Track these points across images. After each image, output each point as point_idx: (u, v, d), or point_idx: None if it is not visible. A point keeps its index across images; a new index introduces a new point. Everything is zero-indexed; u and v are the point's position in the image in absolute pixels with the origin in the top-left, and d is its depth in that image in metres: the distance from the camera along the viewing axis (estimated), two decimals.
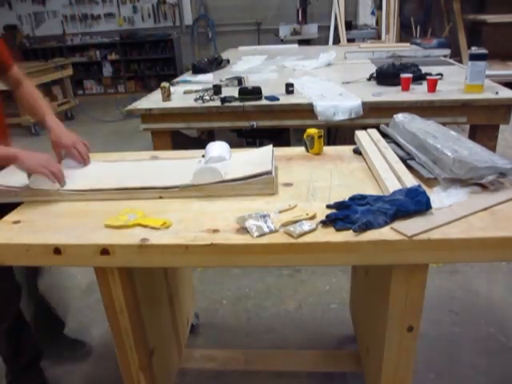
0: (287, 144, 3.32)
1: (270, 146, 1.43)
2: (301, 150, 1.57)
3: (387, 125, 1.57)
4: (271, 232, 1.03)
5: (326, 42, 6.65)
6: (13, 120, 5.65)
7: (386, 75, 2.76)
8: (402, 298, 1.10)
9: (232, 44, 6.39)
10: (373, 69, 2.99)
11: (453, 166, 1.15)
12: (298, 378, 1.77)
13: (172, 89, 3.05)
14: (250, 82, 2.97)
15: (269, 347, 1.94)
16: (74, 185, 1.30)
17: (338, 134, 3.63)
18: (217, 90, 2.72)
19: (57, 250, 1.05)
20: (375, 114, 2.35)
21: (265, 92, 2.57)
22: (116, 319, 1.21)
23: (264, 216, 1.06)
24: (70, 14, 7.96)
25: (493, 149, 2.37)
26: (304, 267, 2.45)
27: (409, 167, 1.27)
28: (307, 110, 2.36)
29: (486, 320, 2.02)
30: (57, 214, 1.20)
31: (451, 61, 3.78)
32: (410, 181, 1.16)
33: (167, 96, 2.60)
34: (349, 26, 6.62)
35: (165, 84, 2.61)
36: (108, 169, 1.46)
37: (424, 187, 1.12)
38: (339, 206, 1.10)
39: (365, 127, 1.67)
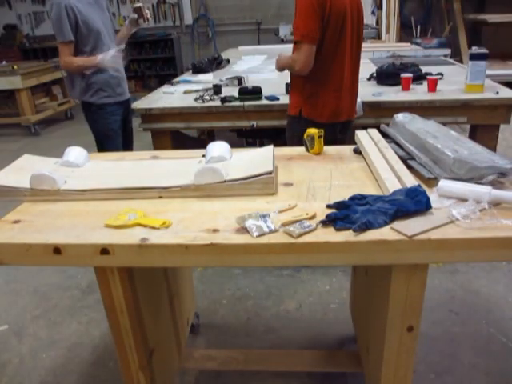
0: (287, 144, 3.32)
1: (271, 146, 1.42)
2: (301, 149, 1.57)
3: (387, 125, 1.57)
4: (271, 232, 1.02)
5: None
6: (13, 120, 5.66)
7: (386, 75, 2.76)
8: (402, 298, 1.10)
9: (232, 44, 6.40)
10: (373, 68, 2.99)
11: (453, 165, 1.15)
12: (298, 378, 1.77)
13: (172, 88, 3.07)
14: (250, 81, 2.97)
15: (269, 347, 1.94)
16: (74, 185, 1.30)
17: None
18: (217, 89, 2.72)
19: (57, 250, 1.05)
20: (375, 114, 2.35)
21: (265, 92, 2.58)
22: (116, 319, 1.21)
23: (264, 216, 1.06)
24: None
25: (493, 149, 2.38)
26: (304, 267, 2.45)
27: (409, 167, 1.27)
28: None
29: (486, 320, 2.02)
30: (57, 213, 1.20)
31: (451, 60, 3.78)
32: (410, 181, 1.15)
33: (141, 16, 2.62)
34: None
35: (138, 4, 2.61)
36: (108, 168, 1.46)
37: (424, 187, 1.11)
38: (339, 205, 1.10)
39: (365, 127, 1.67)
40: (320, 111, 2.08)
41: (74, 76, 2.54)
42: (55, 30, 2.40)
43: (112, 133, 2.60)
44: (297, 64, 1.98)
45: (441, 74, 2.81)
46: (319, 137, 1.50)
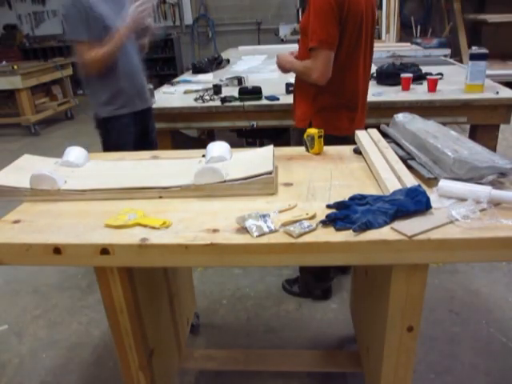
0: (287, 144, 3.32)
1: (271, 146, 1.42)
2: (301, 149, 1.57)
3: (387, 125, 1.57)
4: (271, 232, 1.02)
5: None
6: (13, 120, 5.66)
7: (386, 75, 2.76)
8: (401, 298, 1.10)
9: (232, 44, 6.40)
10: (373, 68, 2.99)
11: (453, 165, 1.15)
12: (298, 378, 1.77)
13: (172, 88, 3.06)
14: (250, 81, 2.97)
15: (269, 347, 1.94)
16: (74, 185, 1.30)
17: None
18: (217, 89, 2.72)
19: (57, 250, 1.05)
20: (375, 114, 2.35)
21: (265, 92, 2.58)
22: (116, 319, 1.21)
23: (264, 216, 1.06)
24: None
25: (493, 149, 2.38)
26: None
27: (409, 167, 1.27)
28: None
29: (486, 320, 2.02)
30: (57, 213, 1.20)
31: (451, 60, 3.78)
32: (410, 181, 1.15)
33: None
34: None
35: (148, 86, 2.63)
36: (108, 168, 1.46)
37: (424, 187, 1.11)
38: (339, 205, 1.10)
39: (365, 127, 1.67)
40: (332, 126, 1.85)
41: (93, 88, 2.19)
42: (68, 29, 2.07)
43: (123, 145, 2.16)
44: (314, 73, 1.78)
45: (441, 74, 2.81)
46: (319, 137, 1.50)
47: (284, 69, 2.02)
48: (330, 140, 1.55)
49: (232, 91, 2.69)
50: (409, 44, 4.94)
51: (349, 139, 1.65)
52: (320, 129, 1.51)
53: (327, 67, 1.76)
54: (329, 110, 1.89)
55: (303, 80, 1.91)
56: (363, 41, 1.86)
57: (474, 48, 2.41)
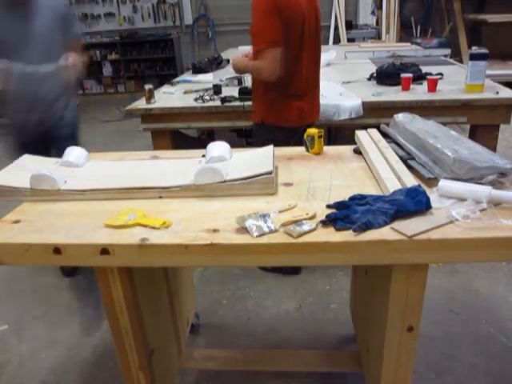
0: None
1: (271, 146, 1.42)
2: (301, 149, 1.57)
3: (387, 125, 1.57)
4: (271, 232, 1.02)
5: (326, 42, 6.65)
6: None
7: (386, 75, 2.76)
8: (401, 298, 1.10)
9: (232, 44, 6.39)
10: (373, 68, 2.99)
11: (453, 165, 1.15)
12: (298, 378, 1.77)
13: (172, 88, 3.07)
14: (250, 81, 2.97)
15: (269, 347, 1.94)
16: (74, 185, 1.30)
17: (339, 133, 3.63)
18: (217, 89, 2.72)
19: (57, 250, 1.05)
20: (375, 114, 2.35)
21: None
22: (116, 319, 1.21)
23: (264, 216, 1.06)
24: None
25: (493, 149, 2.38)
26: (304, 267, 2.45)
27: (409, 167, 1.27)
28: None
29: (486, 320, 2.02)
30: (57, 213, 1.20)
31: (451, 60, 3.78)
32: (410, 181, 1.15)
33: (148, 98, 2.62)
34: (349, 25, 6.62)
35: (148, 86, 2.63)
36: (108, 168, 1.46)
37: (424, 187, 1.11)
38: (339, 205, 1.10)
39: (365, 127, 1.67)
40: (283, 117, 2.01)
41: None
42: None
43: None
44: (264, 71, 1.89)
45: (441, 74, 2.81)
46: (319, 137, 1.50)
47: (239, 71, 2.15)
48: (280, 131, 1.59)
49: (232, 91, 2.69)
50: (409, 44, 4.94)
51: (297, 131, 1.76)
52: (314, 128, 1.52)
53: (275, 64, 1.85)
54: (278, 102, 2.00)
55: (257, 78, 2.03)
56: (306, 37, 1.95)
57: (474, 48, 2.41)
